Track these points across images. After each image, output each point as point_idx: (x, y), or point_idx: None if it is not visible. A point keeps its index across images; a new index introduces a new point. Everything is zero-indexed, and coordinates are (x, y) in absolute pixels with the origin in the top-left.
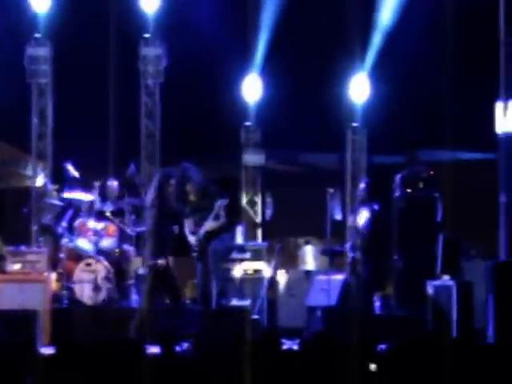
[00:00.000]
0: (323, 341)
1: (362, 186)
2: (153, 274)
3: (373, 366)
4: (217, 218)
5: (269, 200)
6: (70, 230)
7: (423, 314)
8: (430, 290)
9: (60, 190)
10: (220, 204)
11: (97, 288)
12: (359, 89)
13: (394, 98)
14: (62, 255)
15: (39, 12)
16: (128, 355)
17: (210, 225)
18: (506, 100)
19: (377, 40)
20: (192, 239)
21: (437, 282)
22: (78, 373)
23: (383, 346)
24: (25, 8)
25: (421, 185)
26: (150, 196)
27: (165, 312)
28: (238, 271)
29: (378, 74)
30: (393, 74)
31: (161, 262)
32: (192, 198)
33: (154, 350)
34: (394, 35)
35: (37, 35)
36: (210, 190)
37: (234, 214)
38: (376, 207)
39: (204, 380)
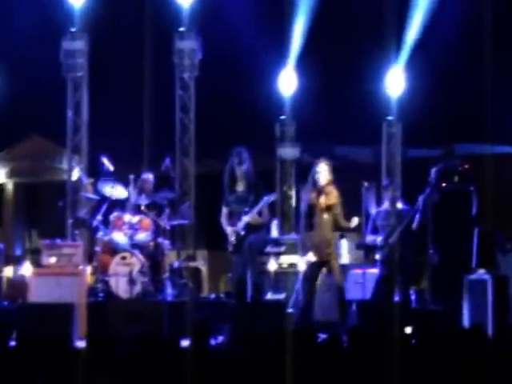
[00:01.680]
0: (358, 334)
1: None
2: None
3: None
4: (259, 213)
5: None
6: (105, 223)
7: (458, 308)
8: (465, 284)
9: (95, 184)
10: (266, 200)
11: (132, 281)
12: (395, 82)
13: (429, 92)
14: (97, 249)
15: (75, 5)
16: (162, 349)
17: (251, 219)
18: None
19: (412, 32)
20: (230, 231)
21: (472, 276)
22: (111, 367)
23: (417, 340)
24: (61, 2)
25: (456, 178)
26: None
27: (199, 305)
28: (272, 265)
29: (414, 67)
30: (428, 67)
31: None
32: (240, 186)
33: (187, 343)
34: (430, 27)
35: (72, 29)
36: (258, 183)
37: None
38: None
39: (238, 374)
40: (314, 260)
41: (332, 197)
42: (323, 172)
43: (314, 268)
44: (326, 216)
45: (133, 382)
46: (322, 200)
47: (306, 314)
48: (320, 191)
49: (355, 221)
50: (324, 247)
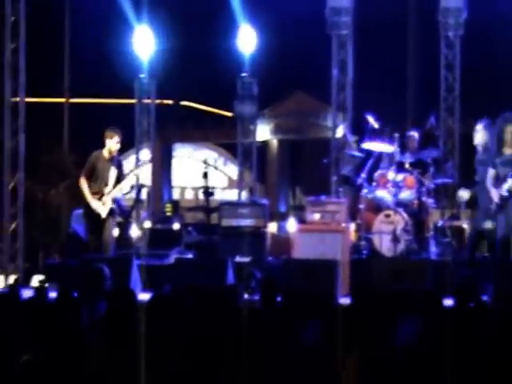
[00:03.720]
0: None
1: None
2: None
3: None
4: None
5: None
6: (370, 181)
7: None
8: None
9: (360, 141)
10: None
11: (395, 239)
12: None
13: None
14: (361, 206)
15: None
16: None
17: None
18: None
19: None
20: (494, 193)
21: None
22: (372, 321)
23: None
24: None
25: None
26: None
27: (462, 264)
28: None
29: None
30: None
31: None
32: (508, 149)
33: (449, 302)
34: None
35: None
36: None
37: None
38: None
39: (503, 332)
40: None
41: None
42: None
43: None
44: None
45: None
46: None
47: None
48: None
49: None
50: None
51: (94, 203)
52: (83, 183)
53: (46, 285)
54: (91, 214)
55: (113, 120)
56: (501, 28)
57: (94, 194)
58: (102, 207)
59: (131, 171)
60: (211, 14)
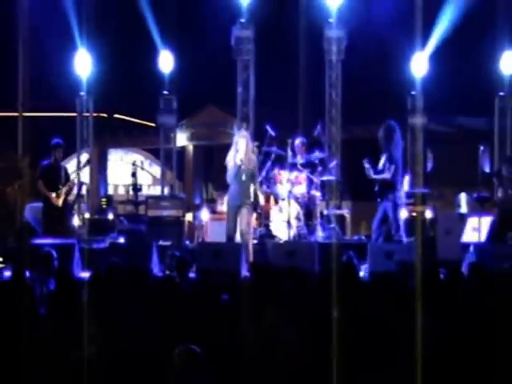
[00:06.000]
0: (478, 271)
1: None
2: None
3: None
4: None
5: (430, 155)
6: (268, 178)
7: None
8: None
9: (260, 146)
10: None
11: (289, 225)
12: (508, 62)
13: None
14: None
15: (244, 1)
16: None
17: None
18: None
19: None
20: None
21: None
22: (273, 295)
23: None
24: None
25: None
26: None
27: (344, 246)
28: None
29: None
30: None
31: None
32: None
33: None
34: None
35: (242, 20)
36: None
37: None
38: None
39: None
40: None
41: None
42: None
43: None
44: None
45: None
46: None
47: None
48: None
49: None
50: None
51: (52, 197)
52: (41, 184)
53: (2, 265)
54: (51, 206)
55: (57, 130)
56: (373, 53)
57: (50, 191)
58: (58, 200)
59: (74, 172)
60: (138, 40)
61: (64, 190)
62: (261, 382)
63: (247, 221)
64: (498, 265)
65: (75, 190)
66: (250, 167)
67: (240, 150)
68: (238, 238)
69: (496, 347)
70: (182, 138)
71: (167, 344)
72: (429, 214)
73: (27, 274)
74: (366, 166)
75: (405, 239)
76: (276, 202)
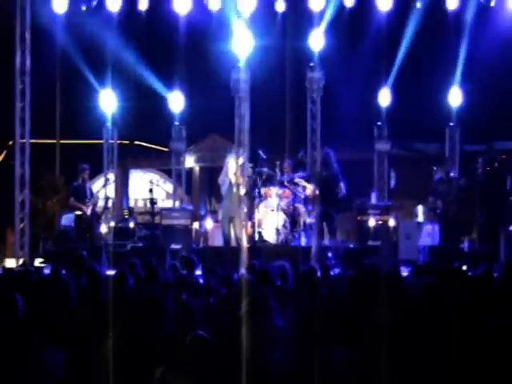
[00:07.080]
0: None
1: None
2: None
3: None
4: None
5: (393, 174)
6: (260, 193)
7: (498, 250)
8: (502, 234)
9: (254, 167)
10: None
11: (278, 232)
12: (455, 96)
13: (480, 103)
14: (255, 210)
15: (241, 51)
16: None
17: None
18: None
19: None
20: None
21: (508, 228)
22: (262, 285)
23: (474, 271)
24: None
25: (496, 165)
26: None
27: (323, 249)
28: None
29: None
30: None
31: None
32: None
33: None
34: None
35: (239, 65)
36: None
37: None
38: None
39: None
40: None
41: None
42: None
43: None
44: None
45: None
46: None
47: None
48: None
49: None
50: None
51: (83, 208)
52: (72, 200)
53: (43, 265)
54: (81, 217)
55: (87, 155)
56: (346, 90)
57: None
58: (87, 210)
59: (101, 188)
60: (152, 81)
61: (90, 203)
62: (258, 373)
63: (240, 228)
64: (448, 264)
65: (101, 203)
66: (239, 181)
67: (230, 168)
68: (233, 243)
69: None
70: (190, 161)
71: (183, 329)
72: (392, 222)
73: (63, 271)
74: None
75: None
76: (267, 212)
